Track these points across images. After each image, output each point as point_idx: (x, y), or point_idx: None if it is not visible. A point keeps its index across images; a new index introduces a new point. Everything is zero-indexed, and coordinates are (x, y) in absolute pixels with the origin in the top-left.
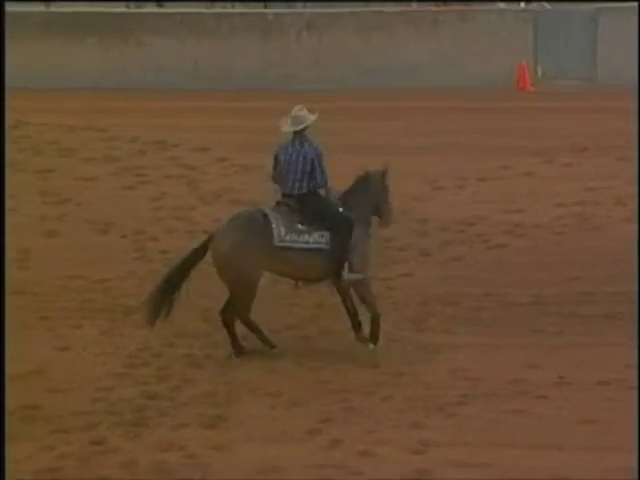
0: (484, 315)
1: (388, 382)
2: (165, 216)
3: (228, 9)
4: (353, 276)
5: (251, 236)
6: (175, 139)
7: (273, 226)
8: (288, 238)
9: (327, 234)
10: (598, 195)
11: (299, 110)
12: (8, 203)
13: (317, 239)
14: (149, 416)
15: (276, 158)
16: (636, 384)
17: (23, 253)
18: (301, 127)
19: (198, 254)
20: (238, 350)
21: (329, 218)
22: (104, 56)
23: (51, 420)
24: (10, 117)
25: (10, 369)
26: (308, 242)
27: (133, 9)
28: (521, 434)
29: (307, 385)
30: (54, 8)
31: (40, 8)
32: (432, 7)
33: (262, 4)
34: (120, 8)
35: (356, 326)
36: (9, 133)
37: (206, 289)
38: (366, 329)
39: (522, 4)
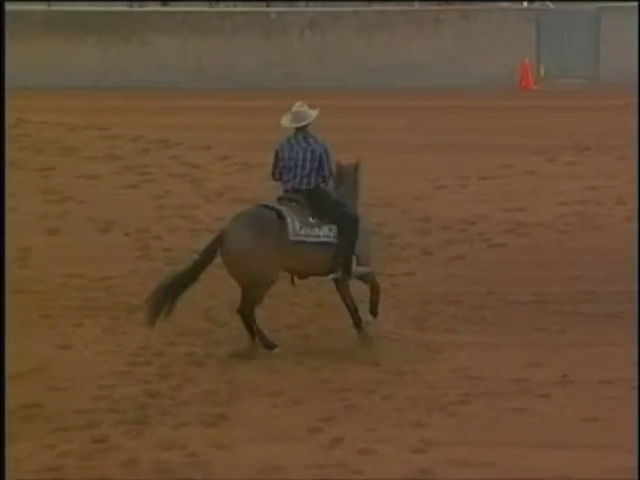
0: (486, 314)
1: (389, 381)
2: (168, 214)
3: (231, 8)
4: (362, 269)
5: (267, 232)
6: (178, 137)
7: (288, 220)
8: (302, 232)
9: (334, 228)
10: (600, 194)
11: (300, 106)
12: (8, 202)
13: (326, 232)
14: (151, 414)
15: (277, 155)
16: (636, 384)
17: (24, 251)
18: (303, 124)
19: (209, 256)
20: (269, 345)
21: (336, 212)
22: (104, 55)
23: (52, 419)
24: (10, 116)
25: (10, 367)
26: (319, 236)
27: (136, 8)
28: (523, 433)
29: (308, 384)
30: (55, 7)
31: (41, 7)
32: (434, 6)
33: (265, 3)
34: (121, 7)
35: (357, 323)
36: (9, 132)
37: (208, 288)
38: (366, 327)
39: (525, 3)
